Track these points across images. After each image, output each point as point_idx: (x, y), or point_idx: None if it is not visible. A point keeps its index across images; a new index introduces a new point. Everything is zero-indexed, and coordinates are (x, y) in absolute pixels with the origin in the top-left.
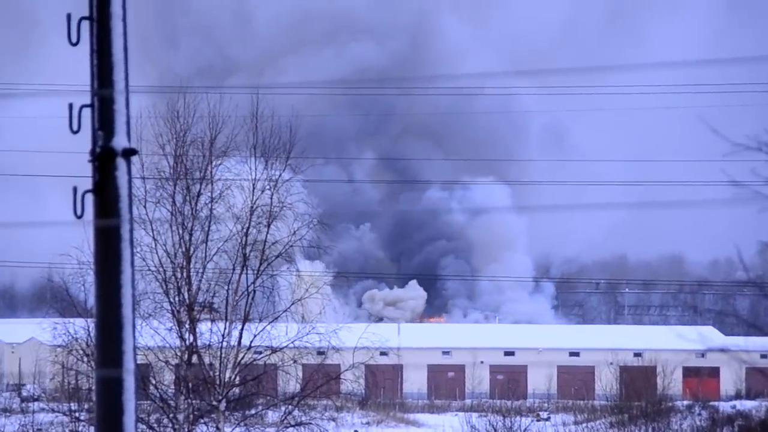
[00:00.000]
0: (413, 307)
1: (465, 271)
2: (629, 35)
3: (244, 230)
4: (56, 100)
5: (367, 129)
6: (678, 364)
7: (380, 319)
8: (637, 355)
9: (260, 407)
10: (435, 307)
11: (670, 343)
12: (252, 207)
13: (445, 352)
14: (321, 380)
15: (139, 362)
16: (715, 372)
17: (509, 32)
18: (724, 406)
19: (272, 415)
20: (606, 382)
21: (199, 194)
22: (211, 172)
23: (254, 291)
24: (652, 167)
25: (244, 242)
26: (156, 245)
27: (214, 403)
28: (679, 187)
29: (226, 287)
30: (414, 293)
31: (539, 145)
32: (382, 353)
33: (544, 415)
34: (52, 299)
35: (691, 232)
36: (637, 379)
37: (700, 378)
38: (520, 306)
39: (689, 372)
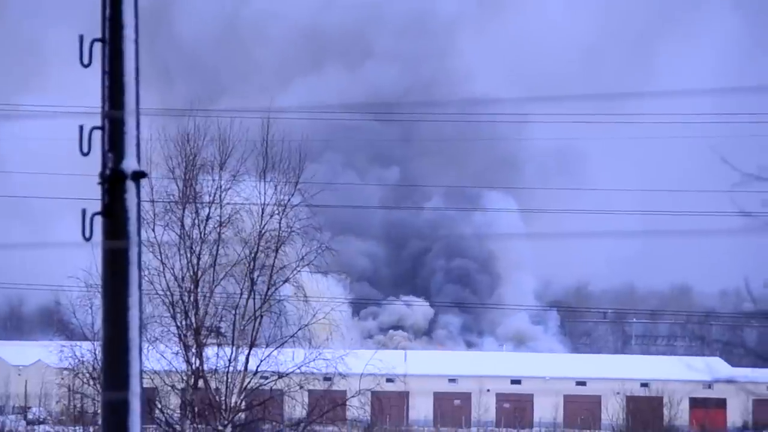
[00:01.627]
0: (413, 323)
1: (470, 290)
2: (645, 63)
3: (252, 255)
4: (66, 122)
5: (378, 152)
6: (685, 394)
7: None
8: (644, 385)
9: None
10: (433, 326)
11: (678, 373)
12: (261, 231)
13: (452, 380)
14: (327, 406)
15: (145, 386)
16: (722, 403)
17: (527, 58)
18: None
19: None
20: (612, 412)
21: (208, 218)
22: (220, 196)
23: (261, 316)
24: (663, 196)
25: (252, 267)
26: (164, 268)
27: (220, 427)
28: (688, 217)
29: (233, 312)
30: (416, 309)
31: (550, 172)
32: (389, 380)
33: None
34: (59, 322)
35: (699, 262)
36: (644, 410)
37: (707, 409)
38: (518, 328)
39: (696, 403)
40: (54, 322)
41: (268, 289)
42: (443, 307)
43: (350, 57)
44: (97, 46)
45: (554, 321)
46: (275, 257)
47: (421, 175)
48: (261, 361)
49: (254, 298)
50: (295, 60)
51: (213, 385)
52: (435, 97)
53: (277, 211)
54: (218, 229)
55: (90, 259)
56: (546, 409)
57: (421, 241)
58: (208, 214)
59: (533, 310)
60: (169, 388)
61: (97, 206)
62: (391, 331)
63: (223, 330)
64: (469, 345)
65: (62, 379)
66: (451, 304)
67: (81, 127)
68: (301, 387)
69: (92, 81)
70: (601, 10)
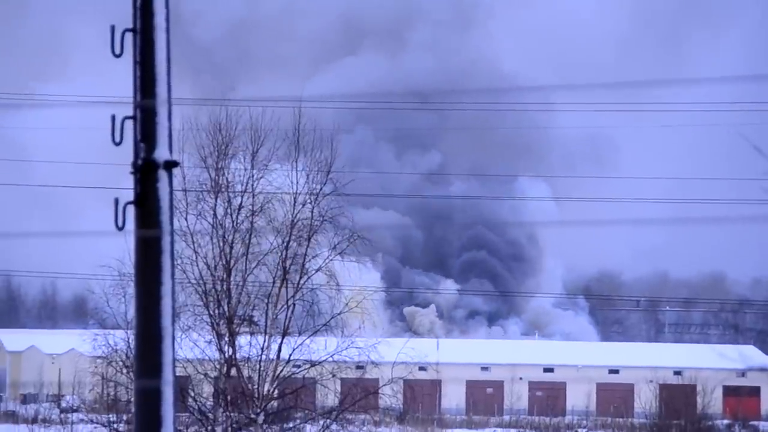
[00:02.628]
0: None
1: (498, 275)
2: (675, 50)
3: (285, 243)
4: (97, 112)
5: (410, 140)
6: (718, 382)
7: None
8: (677, 373)
9: (298, 421)
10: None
11: (711, 361)
12: (293, 220)
13: (484, 368)
14: (359, 394)
15: (178, 374)
16: (755, 391)
17: (559, 48)
18: (765, 426)
19: (310, 429)
20: (645, 400)
21: (240, 207)
22: (252, 185)
23: (294, 304)
24: (694, 184)
25: (284, 256)
26: (196, 257)
27: (252, 416)
28: (720, 205)
29: (265, 300)
30: (442, 289)
31: (580, 160)
32: (421, 368)
33: None
34: (93, 310)
35: (733, 250)
36: (677, 398)
37: (741, 397)
38: (545, 313)
39: (729, 391)
40: (87, 311)
41: (301, 277)
42: (473, 294)
43: (384, 45)
44: (128, 36)
45: (582, 308)
46: (307, 246)
47: (452, 161)
48: (293, 349)
49: (287, 287)
50: (331, 47)
51: (246, 373)
52: (466, 86)
53: (309, 200)
54: (250, 218)
55: (123, 248)
56: (578, 398)
57: (449, 225)
58: (241, 203)
59: (564, 297)
60: (202, 376)
61: (130, 195)
62: (412, 307)
63: (255, 319)
64: (491, 326)
65: (95, 367)
66: (479, 293)
67: (113, 117)
68: (334, 375)
69: (121, 70)
70: (630, 1)
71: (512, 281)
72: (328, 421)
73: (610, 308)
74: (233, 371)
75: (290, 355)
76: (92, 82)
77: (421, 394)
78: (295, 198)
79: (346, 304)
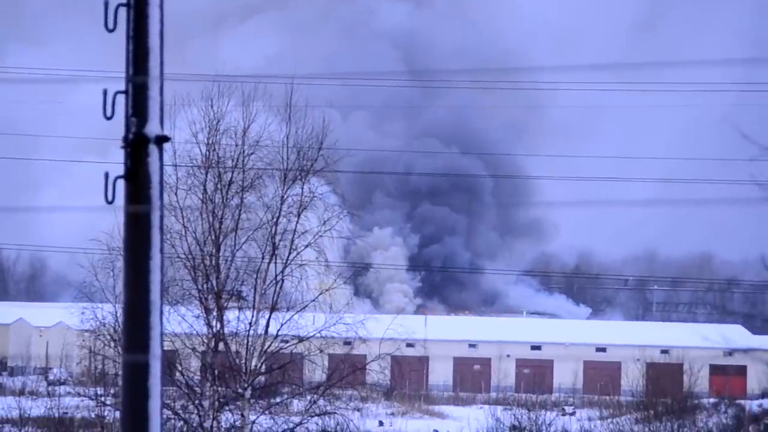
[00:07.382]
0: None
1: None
2: (669, 33)
3: (274, 219)
4: (89, 86)
5: (397, 118)
6: (705, 361)
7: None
8: (664, 352)
9: (285, 396)
10: (441, 296)
11: (698, 340)
12: (282, 196)
13: (472, 345)
14: (347, 370)
15: (165, 348)
16: (742, 370)
17: (573, 30)
18: (751, 405)
19: (297, 404)
20: (632, 379)
21: (230, 183)
22: (243, 161)
23: (282, 280)
24: (685, 165)
25: (273, 231)
26: (186, 232)
27: (240, 390)
28: (711, 186)
29: (254, 276)
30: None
31: (573, 139)
32: (408, 344)
33: (569, 409)
34: (81, 284)
35: (721, 231)
36: (664, 376)
37: (727, 376)
38: (517, 298)
39: (716, 370)
40: (75, 284)
41: (290, 253)
42: (461, 271)
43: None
44: (122, 11)
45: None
46: (297, 222)
47: (445, 137)
48: (281, 324)
49: (276, 263)
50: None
51: (233, 348)
52: (465, 65)
53: (299, 176)
54: (240, 194)
55: (112, 222)
56: (566, 375)
57: (438, 198)
58: (231, 178)
59: (554, 276)
60: (190, 350)
61: (120, 170)
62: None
63: (244, 294)
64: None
65: (83, 340)
66: (467, 271)
67: (105, 91)
68: (321, 351)
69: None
70: None
71: (485, 260)
72: (315, 396)
73: (597, 287)
74: (221, 346)
75: (278, 331)
76: (66, 49)
77: (409, 370)
78: (285, 174)
79: (335, 280)
